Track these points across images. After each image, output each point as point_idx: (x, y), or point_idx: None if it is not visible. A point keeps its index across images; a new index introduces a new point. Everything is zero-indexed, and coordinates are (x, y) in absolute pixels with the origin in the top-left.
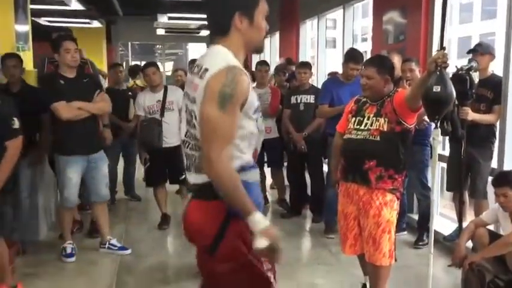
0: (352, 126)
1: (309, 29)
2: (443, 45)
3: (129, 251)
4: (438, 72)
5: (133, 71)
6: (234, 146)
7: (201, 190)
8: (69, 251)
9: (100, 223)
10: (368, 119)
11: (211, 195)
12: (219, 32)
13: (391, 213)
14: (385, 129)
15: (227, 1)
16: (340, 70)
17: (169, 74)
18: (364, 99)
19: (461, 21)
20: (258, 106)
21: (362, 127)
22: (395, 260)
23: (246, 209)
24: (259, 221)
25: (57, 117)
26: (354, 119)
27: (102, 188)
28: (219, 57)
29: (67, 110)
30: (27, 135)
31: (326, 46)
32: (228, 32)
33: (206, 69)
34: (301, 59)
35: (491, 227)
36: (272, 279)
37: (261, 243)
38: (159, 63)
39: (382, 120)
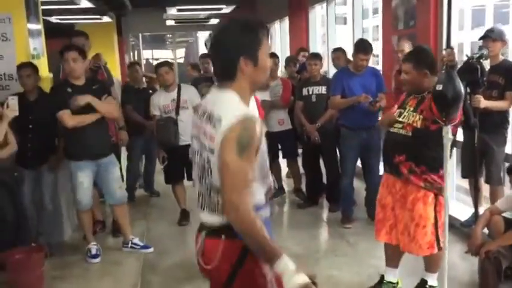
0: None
1: (319, 8)
2: (451, 45)
3: (151, 249)
4: (444, 71)
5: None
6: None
7: (216, 231)
8: (94, 252)
9: (121, 223)
10: (407, 112)
11: (225, 234)
12: (226, 77)
13: (425, 209)
14: (418, 126)
15: (231, 47)
16: (350, 47)
17: (181, 61)
18: (409, 93)
19: None
20: (265, 151)
21: (400, 119)
22: (440, 249)
23: (272, 253)
24: (289, 266)
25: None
26: (398, 110)
27: (116, 191)
28: (232, 107)
29: (71, 118)
30: (47, 141)
31: (336, 23)
32: (235, 76)
33: (219, 120)
34: (311, 40)
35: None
36: None
37: (295, 282)
38: (170, 51)
39: (417, 116)
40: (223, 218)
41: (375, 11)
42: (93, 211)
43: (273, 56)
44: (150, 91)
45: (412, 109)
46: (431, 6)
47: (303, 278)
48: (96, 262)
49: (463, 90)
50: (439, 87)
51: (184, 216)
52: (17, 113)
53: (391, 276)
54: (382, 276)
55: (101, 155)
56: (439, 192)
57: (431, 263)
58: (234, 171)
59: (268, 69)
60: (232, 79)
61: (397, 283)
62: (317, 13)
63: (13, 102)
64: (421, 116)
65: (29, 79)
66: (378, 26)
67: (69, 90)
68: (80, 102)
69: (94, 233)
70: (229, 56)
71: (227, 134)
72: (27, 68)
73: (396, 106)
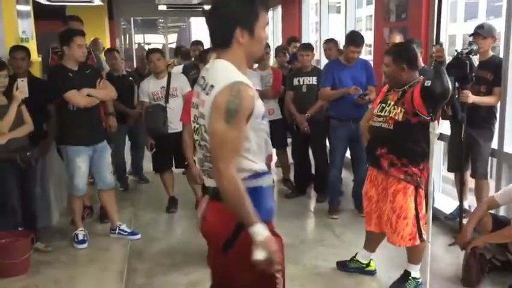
0: (375, 112)
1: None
2: (440, 41)
3: (138, 236)
4: (433, 67)
5: (186, 54)
6: (245, 157)
7: (217, 193)
8: (81, 237)
9: (108, 209)
10: (388, 106)
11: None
12: (221, 45)
13: (405, 200)
14: (400, 119)
15: (228, 16)
16: (342, 36)
17: (172, 46)
18: (390, 87)
19: None
20: (265, 113)
21: (382, 113)
22: (422, 241)
23: (248, 220)
24: (259, 232)
25: (64, 107)
26: (379, 105)
27: (108, 176)
28: (224, 73)
29: (81, 98)
30: (36, 125)
31: (329, 12)
32: (230, 45)
33: (212, 86)
34: (304, 28)
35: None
36: (280, 285)
37: (258, 254)
38: (161, 36)
39: (398, 109)
40: None
41: (369, 1)
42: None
43: (265, 45)
44: (131, 78)
45: (393, 103)
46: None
47: (274, 245)
48: (83, 248)
49: (451, 87)
50: (428, 83)
51: (173, 204)
52: (26, 95)
53: (361, 256)
54: (354, 256)
55: (96, 140)
56: (418, 185)
57: (414, 255)
58: (221, 138)
59: (263, 42)
60: (228, 48)
61: (368, 264)
62: (310, 1)
63: (23, 83)
64: (402, 109)
65: (23, 62)
66: (371, 16)
67: (70, 74)
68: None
69: (82, 219)
70: (226, 25)
71: (216, 99)
72: (22, 50)
73: (378, 100)
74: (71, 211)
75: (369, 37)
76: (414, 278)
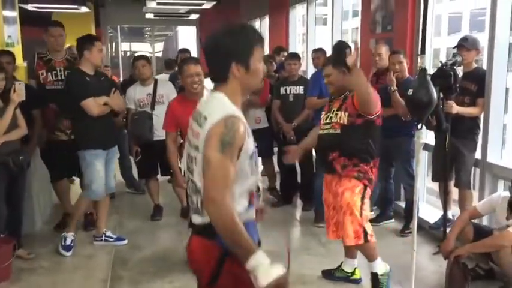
0: (322, 122)
1: (299, 9)
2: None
3: (125, 241)
4: (418, 76)
5: (169, 64)
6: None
7: (201, 230)
8: (68, 242)
9: (100, 215)
10: (333, 113)
11: (209, 235)
12: (218, 80)
13: (352, 197)
14: (345, 123)
15: (223, 52)
16: (329, 47)
17: (159, 55)
18: (333, 96)
19: None
20: (254, 152)
21: (328, 121)
22: (366, 241)
23: (250, 249)
24: (262, 263)
25: (83, 113)
26: (325, 115)
27: (112, 180)
28: (218, 106)
29: (96, 106)
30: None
31: (316, 23)
32: (227, 79)
33: (205, 118)
34: (291, 39)
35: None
36: None
37: (269, 275)
38: (148, 45)
39: (342, 113)
40: (206, 218)
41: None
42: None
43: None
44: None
45: (336, 109)
46: (408, 11)
47: (278, 271)
48: (68, 255)
49: (435, 96)
50: (410, 91)
51: (158, 212)
52: (23, 98)
53: (347, 265)
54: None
55: (111, 143)
56: (369, 183)
57: (367, 252)
58: (215, 167)
59: (261, 74)
60: (225, 82)
61: (353, 273)
62: (297, 13)
63: (20, 87)
64: (346, 113)
65: (8, 66)
66: (357, 28)
67: (88, 79)
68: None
69: (65, 226)
70: (222, 60)
71: (211, 131)
72: (8, 55)
73: (324, 113)
74: (74, 213)
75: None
76: (383, 275)
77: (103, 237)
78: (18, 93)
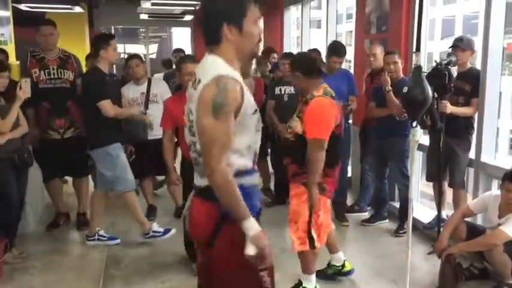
0: (289, 124)
1: (294, 11)
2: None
3: (118, 241)
4: (412, 74)
5: (167, 63)
6: (232, 152)
7: (202, 191)
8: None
9: (94, 214)
10: (297, 115)
11: (208, 197)
12: (211, 42)
13: (297, 205)
14: (299, 132)
15: (215, 13)
16: (323, 50)
17: (153, 57)
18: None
19: (445, 2)
20: (255, 109)
21: (290, 124)
22: (313, 248)
23: (240, 214)
24: (251, 227)
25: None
26: (294, 114)
27: None
28: (211, 68)
29: (113, 109)
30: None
31: (310, 27)
32: (220, 42)
33: (199, 80)
34: (286, 41)
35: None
36: (267, 283)
37: (250, 249)
38: (142, 46)
39: (299, 123)
40: (205, 181)
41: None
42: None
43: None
44: None
45: (297, 113)
46: (403, 12)
47: (264, 240)
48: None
49: (430, 94)
50: (405, 89)
51: (152, 212)
52: (29, 95)
53: (335, 260)
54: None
55: (125, 139)
56: (321, 191)
57: (303, 263)
58: (209, 133)
59: (256, 38)
60: (217, 45)
61: (343, 265)
62: (292, 15)
63: (26, 84)
64: (301, 123)
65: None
66: (351, 32)
67: (107, 79)
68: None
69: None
70: (213, 22)
71: (202, 92)
72: (1, 53)
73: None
74: (132, 208)
75: (349, 52)
76: None
77: (96, 237)
78: (24, 90)
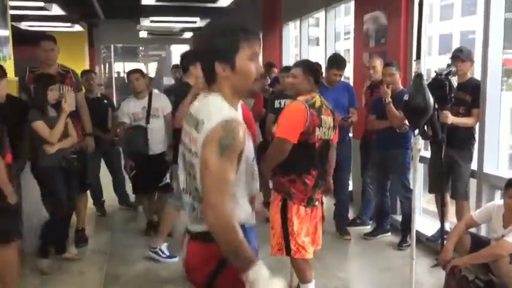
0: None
1: (292, 28)
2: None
3: (176, 259)
4: (413, 81)
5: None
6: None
7: (198, 235)
8: (166, 251)
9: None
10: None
11: (206, 239)
12: (208, 80)
13: (272, 210)
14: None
15: (207, 52)
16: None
17: (152, 76)
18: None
19: (442, 18)
20: (253, 155)
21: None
22: (289, 255)
23: (250, 259)
24: (259, 273)
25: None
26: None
27: None
28: (214, 109)
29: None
30: (14, 145)
31: (309, 44)
32: (215, 79)
33: (202, 122)
34: (285, 58)
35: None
36: None
37: None
38: (142, 64)
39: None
40: (204, 227)
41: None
42: None
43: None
44: (105, 101)
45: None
46: (401, 24)
47: (278, 285)
48: (176, 260)
49: (431, 101)
50: (406, 97)
51: (151, 227)
52: (73, 108)
53: None
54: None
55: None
56: (288, 197)
57: (297, 272)
58: (213, 172)
59: (252, 74)
60: (214, 83)
61: None
62: (290, 33)
63: (71, 97)
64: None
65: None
66: (348, 50)
67: None
68: None
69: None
70: (206, 61)
71: (209, 136)
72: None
73: None
74: (166, 224)
75: (347, 69)
76: None
77: (157, 249)
78: (69, 103)
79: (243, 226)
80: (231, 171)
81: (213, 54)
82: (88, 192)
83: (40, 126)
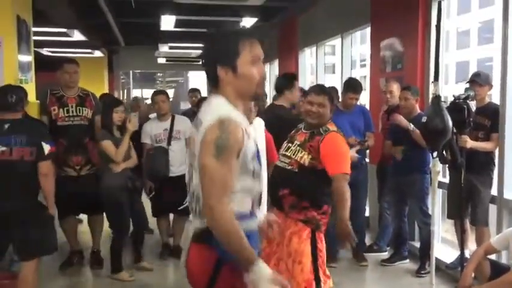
0: (281, 152)
1: (308, 56)
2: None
3: None
4: (431, 103)
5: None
6: (232, 196)
7: (199, 234)
8: None
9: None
10: (294, 146)
11: (203, 239)
12: (211, 83)
13: (299, 243)
14: (306, 164)
15: (209, 56)
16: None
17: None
18: (301, 126)
19: (459, 47)
20: (255, 154)
21: (287, 153)
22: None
23: (250, 258)
24: (260, 271)
25: None
26: (285, 144)
27: None
28: (212, 110)
29: None
30: None
31: (325, 72)
32: (218, 83)
33: (201, 122)
34: (301, 84)
35: (492, 256)
36: None
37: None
38: None
39: (305, 154)
40: (204, 223)
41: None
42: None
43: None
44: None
45: (299, 143)
46: (418, 50)
47: (280, 285)
48: None
49: (450, 123)
50: (424, 119)
51: (167, 250)
52: (136, 128)
53: None
54: None
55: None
56: (317, 228)
57: None
58: (211, 174)
59: (254, 78)
60: (217, 87)
61: None
62: (306, 60)
63: (135, 119)
64: (309, 156)
65: None
66: (365, 77)
67: None
68: None
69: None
70: (208, 64)
71: (205, 135)
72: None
73: (286, 142)
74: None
75: (363, 96)
76: None
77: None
78: (133, 124)
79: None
80: (229, 172)
81: (215, 58)
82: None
83: (108, 145)
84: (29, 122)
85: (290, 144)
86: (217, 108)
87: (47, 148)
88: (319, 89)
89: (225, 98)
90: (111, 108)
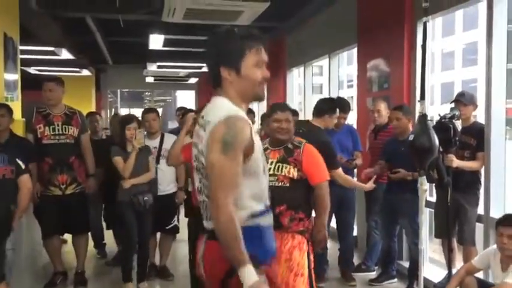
0: None
1: (296, 76)
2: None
3: None
4: (418, 121)
5: None
6: (244, 196)
7: (214, 233)
8: None
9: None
10: (272, 164)
11: None
12: (214, 84)
13: (301, 255)
14: (295, 177)
15: (212, 57)
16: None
17: None
18: (265, 146)
19: (444, 68)
20: (263, 150)
21: (270, 172)
22: None
23: (238, 260)
24: (248, 276)
25: None
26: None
27: None
28: (219, 109)
29: None
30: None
31: (313, 92)
32: (221, 83)
33: (208, 122)
34: (289, 102)
35: (480, 274)
36: None
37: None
38: None
39: (290, 167)
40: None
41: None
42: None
43: (250, 112)
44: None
45: (276, 160)
46: (404, 70)
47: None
48: None
49: (437, 141)
50: (411, 137)
51: (153, 271)
52: (142, 144)
53: None
54: None
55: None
56: (310, 238)
57: None
58: (218, 169)
59: (256, 80)
60: (220, 87)
61: None
62: (294, 80)
63: (141, 135)
64: (296, 168)
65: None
66: (352, 97)
67: None
68: None
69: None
70: (211, 65)
71: (212, 133)
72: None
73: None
74: None
75: (350, 116)
76: None
77: None
78: (138, 140)
79: (258, 226)
80: (236, 168)
81: (219, 58)
82: (89, 234)
83: (118, 161)
84: (13, 140)
85: (274, 161)
86: (224, 107)
87: (23, 164)
88: (283, 106)
89: (228, 98)
90: (123, 126)
